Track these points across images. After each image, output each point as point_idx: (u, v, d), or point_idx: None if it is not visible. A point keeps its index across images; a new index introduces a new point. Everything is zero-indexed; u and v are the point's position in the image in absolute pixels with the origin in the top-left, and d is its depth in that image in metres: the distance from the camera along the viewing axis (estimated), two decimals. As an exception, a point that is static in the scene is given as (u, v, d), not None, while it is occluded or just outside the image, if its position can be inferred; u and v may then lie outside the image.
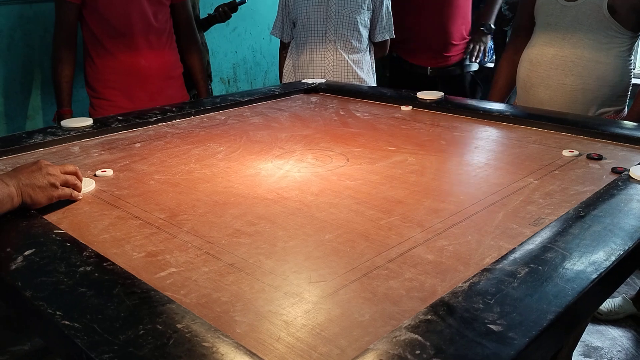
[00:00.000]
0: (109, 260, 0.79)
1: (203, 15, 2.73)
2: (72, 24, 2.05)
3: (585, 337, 2.13)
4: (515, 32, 2.08)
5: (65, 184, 1.03)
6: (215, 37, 3.39)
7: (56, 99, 2.12)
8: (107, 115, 1.67)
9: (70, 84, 2.11)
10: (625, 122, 1.54)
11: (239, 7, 2.67)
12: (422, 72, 2.68)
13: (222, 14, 2.66)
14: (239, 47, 3.67)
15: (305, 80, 2.11)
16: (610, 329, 2.22)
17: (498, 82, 2.12)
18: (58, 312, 0.67)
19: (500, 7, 2.77)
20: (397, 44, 2.67)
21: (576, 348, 1.98)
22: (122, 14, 2.04)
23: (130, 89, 2.12)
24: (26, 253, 0.82)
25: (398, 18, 2.59)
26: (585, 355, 2.06)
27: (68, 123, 1.50)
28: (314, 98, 1.97)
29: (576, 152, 1.27)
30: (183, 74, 2.48)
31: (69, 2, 2.01)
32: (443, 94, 1.79)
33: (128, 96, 2.12)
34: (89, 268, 0.77)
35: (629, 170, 1.10)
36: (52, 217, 0.98)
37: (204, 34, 2.71)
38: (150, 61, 2.14)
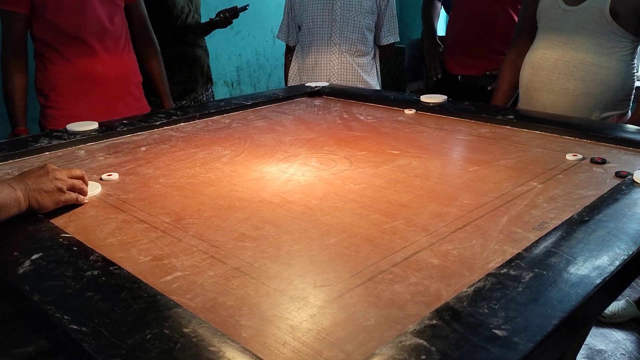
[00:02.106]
0: (116, 264, 0.80)
1: (204, 19, 2.74)
2: (20, 35, 1.90)
3: (589, 340, 2.13)
4: (517, 36, 2.08)
5: (72, 189, 1.04)
6: (219, 41, 3.41)
7: (10, 118, 1.94)
8: (60, 126, 1.57)
9: (23, 101, 1.94)
10: (628, 125, 1.55)
11: (240, 13, 2.67)
12: (454, 79, 2.69)
13: (223, 20, 2.66)
14: (242, 50, 3.69)
15: (309, 84, 2.12)
16: (613, 332, 2.22)
17: (501, 86, 2.12)
18: (66, 316, 0.67)
19: None
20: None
21: (580, 351, 1.98)
22: (74, 20, 1.90)
23: (86, 96, 1.97)
24: (33, 257, 0.83)
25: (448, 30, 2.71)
26: (589, 358, 2.06)
27: (73, 127, 1.51)
28: (317, 101, 1.97)
29: (580, 156, 1.27)
30: (174, 82, 2.45)
31: (15, 12, 1.85)
32: (446, 97, 1.79)
33: (84, 104, 1.96)
34: (95, 272, 0.78)
35: (632, 175, 1.10)
36: (58, 221, 0.99)
37: (204, 38, 2.72)
38: (107, 67, 2.00)
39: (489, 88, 2.42)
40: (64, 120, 1.84)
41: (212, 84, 2.80)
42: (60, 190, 1.00)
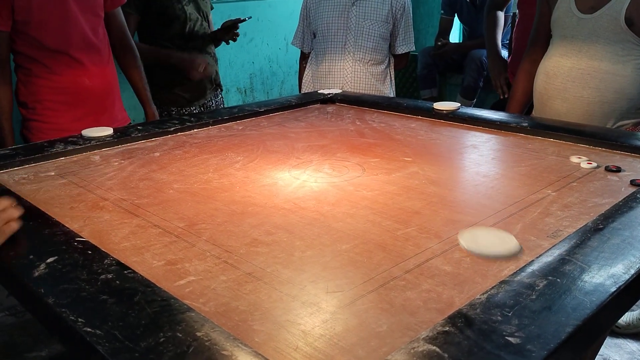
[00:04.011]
0: (130, 268, 0.80)
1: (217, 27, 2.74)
2: (3, 54, 1.85)
3: (603, 350, 2.10)
4: (531, 44, 2.07)
5: None
6: (232, 48, 3.43)
7: None
8: (46, 139, 1.56)
9: (10, 121, 1.89)
10: (644, 134, 1.53)
11: (239, 24, 2.62)
12: None
13: (223, 34, 2.62)
14: (255, 57, 3.71)
15: (321, 91, 2.13)
16: (628, 343, 2.19)
17: (515, 93, 2.11)
18: (80, 319, 0.68)
19: None
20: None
21: (594, 362, 1.96)
22: (59, 35, 1.88)
23: (73, 109, 1.96)
24: (49, 260, 0.84)
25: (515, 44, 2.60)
26: (604, 370, 2.04)
27: (89, 132, 1.52)
28: (330, 108, 1.98)
29: (594, 164, 1.26)
30: (183, 89, 2.46)
31: None
32: (460, 104, 1.79)
33: (71, 117, 1.96)
34: (110, 276, 0.78)
35: (648, 183, 1.09)
36: (73, 225, 1.00)
37: (212, 46, 2.71)
38: (94, 80, 1.99)
39: None
40: (49, 133, 1.84)
41: (221, 90, 2.80)
42: None
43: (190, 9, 2.51)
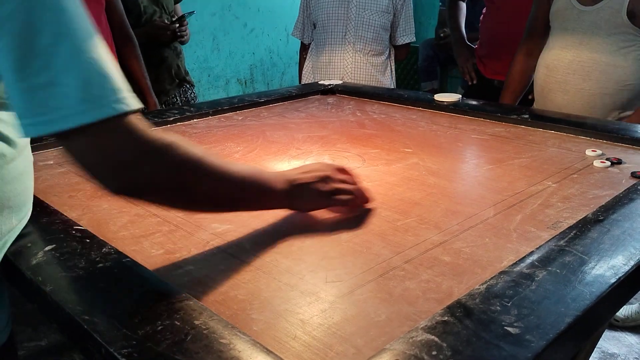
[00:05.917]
0: (128, 257, 0.80)
1: (190, 23, 2.62)
2: None
3: (601, 343, 2.11)
4: (528, 35, 2.06)
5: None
6: (233, 39, 3.42)
7: None
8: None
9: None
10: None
11: (187, 17, 2.49)
12: (490, 84, 2.59)
13: (168, 31, 2.41)
14: (256, 48, 3.69)
15: (322, 82, 2.12)
16: (627, 336, 2.19)
17: (510, 85, 2.09)
18: (78, 307, 0.68)
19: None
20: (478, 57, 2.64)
21: (592, 354, 1.96)
22: None
23: None
24: (47, 248, 0.83)
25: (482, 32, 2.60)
26: (602, 362, 2.04)
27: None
28: (330, 99, 1.97)
29: (599, 152, 1.26)
30: (154, 79, 2.38)
31: None
32: (460, 96, 1.78)
33: None
34: (108, 264, 0.78)
35: (649, 175, 1.09)
36: (72, 214, 0.99)
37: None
38: None
39: (530, 97, 2.24)
40: None
41: (192, 85, 2.64)
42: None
43: (145, 2, 2.40)
